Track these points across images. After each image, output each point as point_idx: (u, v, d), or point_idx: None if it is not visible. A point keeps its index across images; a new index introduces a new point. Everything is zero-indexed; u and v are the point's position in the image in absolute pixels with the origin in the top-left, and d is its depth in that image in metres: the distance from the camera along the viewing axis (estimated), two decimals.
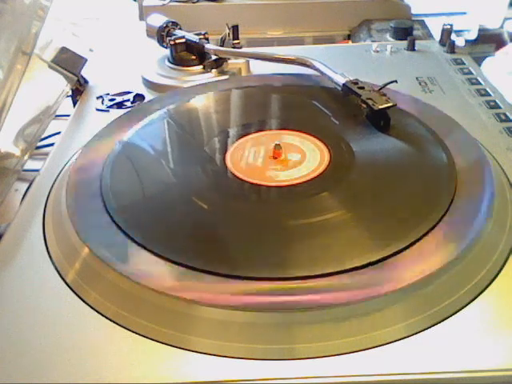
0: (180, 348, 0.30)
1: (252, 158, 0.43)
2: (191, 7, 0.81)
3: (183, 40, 0.59)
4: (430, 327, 0.30)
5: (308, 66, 0.54)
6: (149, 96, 0.57)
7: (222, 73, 0.59)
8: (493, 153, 0.45)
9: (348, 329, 0.30)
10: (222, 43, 0.61)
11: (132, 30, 0.82)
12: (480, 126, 0.49)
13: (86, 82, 0.60)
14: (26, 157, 0.49)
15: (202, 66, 0.59)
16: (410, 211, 0.37)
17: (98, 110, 0.55)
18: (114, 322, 0.31)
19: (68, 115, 0.55)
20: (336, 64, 0.53)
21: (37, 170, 0.46)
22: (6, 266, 0.36)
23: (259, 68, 0.61)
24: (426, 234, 0.34)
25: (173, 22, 0.62)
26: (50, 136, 0.61)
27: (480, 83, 0.57)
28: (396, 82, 0.48)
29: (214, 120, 0.50)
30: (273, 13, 0.82)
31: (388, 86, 0.47)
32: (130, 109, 0.53)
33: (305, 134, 0.46)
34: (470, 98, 0.54)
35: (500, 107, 0.52)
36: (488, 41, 0.80)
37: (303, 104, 0.51)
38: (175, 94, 0.54)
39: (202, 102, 0.52)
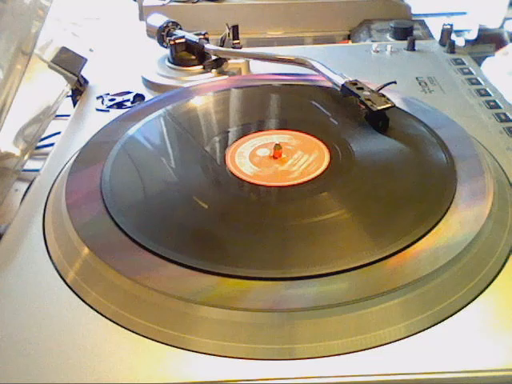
0: (180, 348, 0.30)
1: (252, 158, 0.43)
2: (191, 7, 0.81)
3: (183, 40, 0.59)
4: (429, 327, 0.30)
5: (307, 66, 0.54)
6: (149, 96, 0.57)
7: (222, 73, 0.59)
8: (493, 153, 0.44)
9: (348, 329, 0.30)
10: (222, 43, 0.61)
11: (132, 30, 0.82)
12: (480, 126, 0.49)
13: (86, 82, 0.60)
14: (26, 157, 0.49)
15: (201, 66, 0.59)
16: (410, 211, 0.37)
17: (98, 110, 0.55)
18: (114, 322, 0.31)
19: (68, 115, 0.55)
20: (336, 64, 0.53)
21: (37, 170, 0.46)
22: (6, 265, 0.36)
23: (259, 68, 0.61)
24: (425, 234, 0.34)
25: (173, 22, 0.62)
26: (50, 136, 0.61)
27: (480, 83, 0.57)
28: (395, 82, 0.48)
29: (213, 120, 0.50)
30: (273, 13, 0.82)
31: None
32: (129, 109, 0.53)
33: (305, 134, 0.46)
34: (470, 97, 0.54)
35: (500, 107, 0.52)
36: (488, 41, 0.80)
37: (303, 104, 0.51)
38: (175, 94, 0.53)
39: (201, 102, 0.52)
